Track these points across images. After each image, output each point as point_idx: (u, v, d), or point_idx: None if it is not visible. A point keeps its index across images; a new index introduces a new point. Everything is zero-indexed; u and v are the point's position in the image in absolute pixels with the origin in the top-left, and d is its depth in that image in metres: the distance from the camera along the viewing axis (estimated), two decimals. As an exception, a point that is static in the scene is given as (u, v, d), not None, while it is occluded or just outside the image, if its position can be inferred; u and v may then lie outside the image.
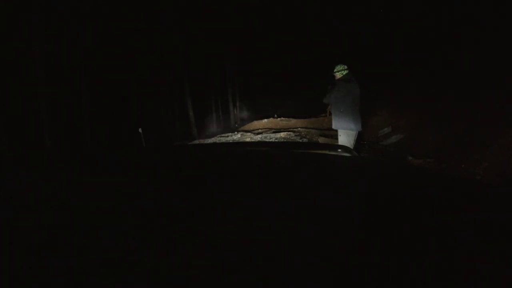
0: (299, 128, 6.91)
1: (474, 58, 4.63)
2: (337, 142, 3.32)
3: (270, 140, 5.57)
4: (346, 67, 3.16)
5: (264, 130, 7.34)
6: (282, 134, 6.03)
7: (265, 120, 8.69)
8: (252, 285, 0.27)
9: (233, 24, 12.92)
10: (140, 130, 4.89)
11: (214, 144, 3.95)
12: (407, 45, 7.01)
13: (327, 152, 1.05)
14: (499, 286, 0.28)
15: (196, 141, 7.13)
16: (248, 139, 6.08)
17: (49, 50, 6.78)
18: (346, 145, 2.86)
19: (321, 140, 5.56)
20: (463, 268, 0.30)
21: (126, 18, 11.11)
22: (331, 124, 3.27)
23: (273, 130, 7.19)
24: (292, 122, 8.09)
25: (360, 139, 4.25)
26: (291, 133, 6.13)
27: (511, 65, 3.70)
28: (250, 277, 0.28)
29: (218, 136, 7.12)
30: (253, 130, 7.71)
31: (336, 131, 3.26)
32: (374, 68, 8.02)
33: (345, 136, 3.16)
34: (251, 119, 9.49)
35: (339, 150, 1.10)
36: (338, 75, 3.18)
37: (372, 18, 9.13)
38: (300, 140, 5.52)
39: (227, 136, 6.79)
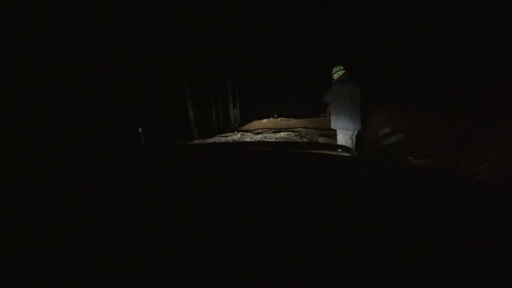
0: (299, 128, 6.90)
1: (474, 58, 4.63)
2: (337, 142, 3.33)
3: (270, 140, 5.57)
4: (342, 67, 3.17)
5: (264, 130, 7.33)
6: (282, 134, 6.02)
7: (265, 120, 8.69)
8: (254, 285, 0.27)
9: (233, 24, 12.93)
10: (140, 130, 4.89)
11: (214, 144, 3.95)
12: (408, 45, 7.01)
13: (326, 152, 1.05)
14: (499, 285, 0.28)
15: (196, 141, 7.13)
16: (248, 139, 6.08)
17: (49, 51, 6.78)
18: (344, 144, 2.87)
19: (321, 140, 5.56)
20: (463, 268, 0.30)
21: (127, 19, 11.12)
22: (331, 124, 3.29)
23: (273, 130, 7.18)
24: (292, 122, 8.08)
25: (361, 138, 4.26)
26: (291, 133, 6.13)
27: (511, 65, 3.69)
28: (252, 277, 0.28)
29: (218, 136, 7.11)
30: (253, 130, 7.70)
31: (336, 130, 3.27)
32: (374, 68, 8.02)
33: (342, 136, 3.17)
34: (251, 119, 9.48)
35: (339, 150, 1.10)
36: (335, 76, 3.20)
37: (372, 18, 9.12)
38: (300, 140, 5.52)
39: (227, 136, 6.78)
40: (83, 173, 0.67)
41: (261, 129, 7.74)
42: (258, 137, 6.13)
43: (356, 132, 3.22)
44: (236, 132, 7.38)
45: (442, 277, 0.28)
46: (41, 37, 6.20)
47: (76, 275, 0.28)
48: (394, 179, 0.67)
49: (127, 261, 0.30)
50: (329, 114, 3.37)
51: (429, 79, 5.52)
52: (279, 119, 8.69)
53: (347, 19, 10.79)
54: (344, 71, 3.16)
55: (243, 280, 0.27)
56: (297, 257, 0.31)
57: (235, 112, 14.16)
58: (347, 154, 1.05)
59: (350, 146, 3.08)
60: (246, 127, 8.59)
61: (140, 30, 11.76)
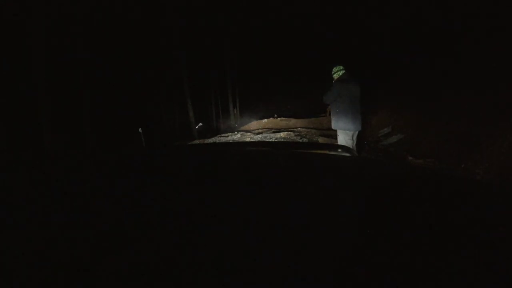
0: (299, 128, 6.90)
1: (474, 58, 4.63)
2: (337, 142, 3.33)
3: (270, 140, 5.56)
4: (342, 67, 3.17)
5: (264, 130, 7.33)
6: (282, 134, 6.02)
7: (265, 120, 8.68)
8: (256, 285, 0.27)
9: (233, 25, 12.93)
10: (140, 130, 4.90)
11: (214, 144, 3.95)
12: (407, 45, 7.01)
13: (327, 152, 1.06)
14: (499, 285, 0.28)
15: (196, 141, 7.13)
16: (248, 139, 6.08)
17: (49, 50, 6.78)
18: (344, 144, 2.87)
19: (321, 140, 5.56)
20: (464, 267, 0.30)
21: (127, 18, 11.11)
22: (331, 124, 3.28)
23: (273, 130, 7.18)
24: (292, 122, 8.07)
25: (361, 138, 4.26)
26: (291, 133, 6.12)
27: (511, 65, 3.69)
28: (254, 276, 0.28)
29: (218, 136, 7.11)
30: (253, 130, 7.70)
31: (336, 131, 3.27)
32: (374, 68, 8.02)
33: (343, 136, 3.17)
34: (251, 119, 9.48)
35: (339, 150, 1.10)
36: (335, 76, 3.20)
37: (372, 18, 9.12)
38: (300, 140, 5.52)
39: (227, 136, 6.78)
40: (84, 174, 0.67)
41: (261, 129, 7.74)
42: (258, 137, 6.13)
43: (356, 132, 3.23)
44: (236, 132, 7.38)
45: (444, 277, 0.28)
46: (41, 36, 6.19)
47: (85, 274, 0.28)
48: (395, 179, 0.67)
49: (127, 261, 0.30)
50: (329, 114, 3.38)
51: (429, 79, 5.52)
52: (279, 119, 8.68)
53: (348, 19, 10.79)
54: (344, 71, 3.16)
55: (244, 280, 0.27)
56: (299, 257, 0.31)
57: (235, 112, 14.15)
58: (348, 154, 1.05)
59: (351, 146, 3.08)
60: (246, 127, 8.59)
61: (140, 30, 11.75)
